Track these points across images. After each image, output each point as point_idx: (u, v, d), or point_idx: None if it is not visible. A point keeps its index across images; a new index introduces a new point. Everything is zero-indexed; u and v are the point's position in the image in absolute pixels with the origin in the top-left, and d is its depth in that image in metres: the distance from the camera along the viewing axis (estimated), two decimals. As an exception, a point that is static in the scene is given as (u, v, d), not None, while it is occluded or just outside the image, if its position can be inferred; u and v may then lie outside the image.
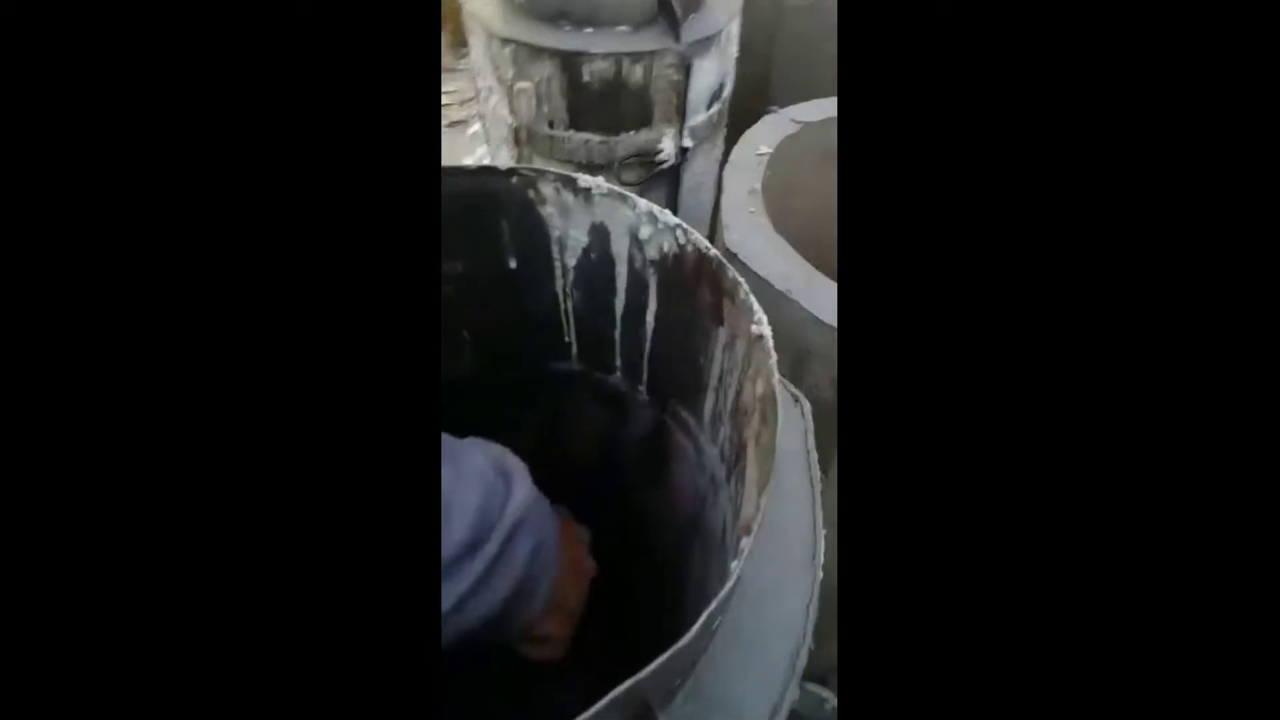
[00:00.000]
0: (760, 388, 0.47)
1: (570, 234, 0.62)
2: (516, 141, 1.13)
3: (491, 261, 0.65)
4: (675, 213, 0.95)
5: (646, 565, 0.84)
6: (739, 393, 0.54)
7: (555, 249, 0.64)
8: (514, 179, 0.59)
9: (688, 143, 1.13)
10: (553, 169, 0.58)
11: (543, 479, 0.83)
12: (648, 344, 0.67)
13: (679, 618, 0.78)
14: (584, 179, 0.57)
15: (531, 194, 0.60)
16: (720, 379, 0.58)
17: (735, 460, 0.57)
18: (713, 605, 0.36)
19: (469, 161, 1.62)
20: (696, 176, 1.23)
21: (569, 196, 0.59)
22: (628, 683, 0.33)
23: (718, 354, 0.57)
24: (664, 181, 1.19)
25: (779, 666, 0.47)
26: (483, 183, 0.59)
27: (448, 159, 1.67)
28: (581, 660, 0.65)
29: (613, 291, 0.65)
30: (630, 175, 1.13)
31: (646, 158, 1.12)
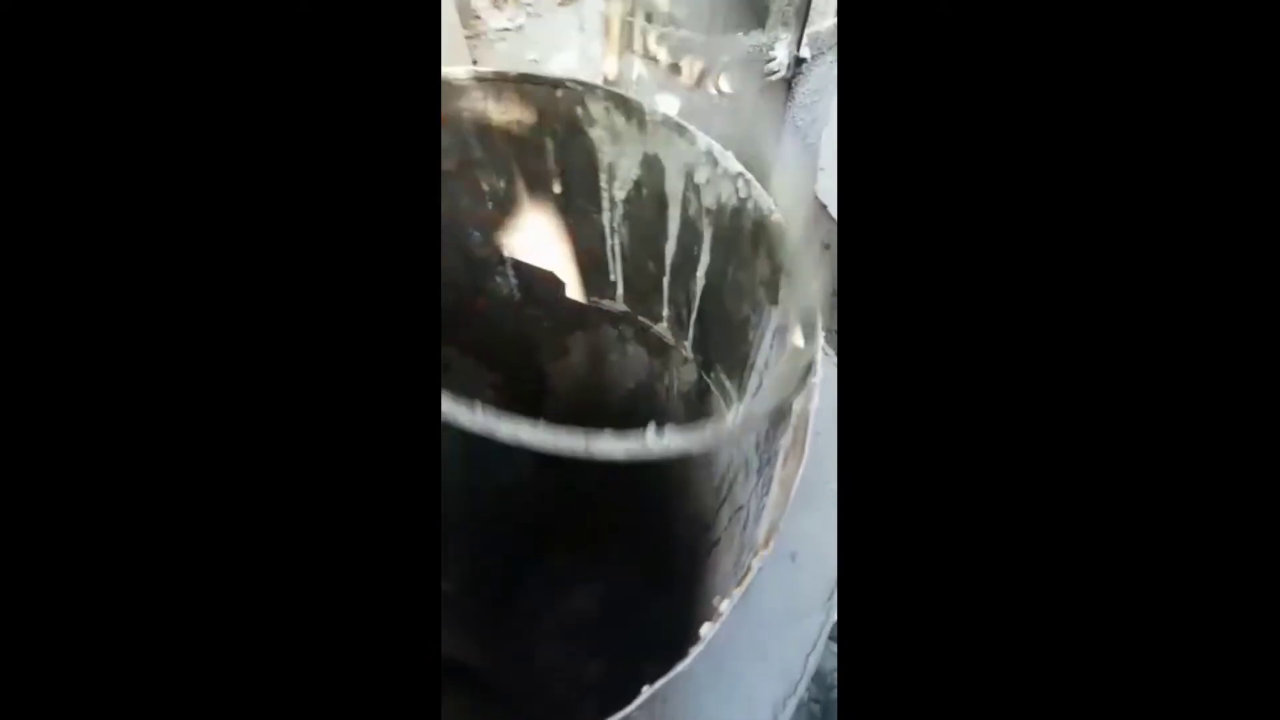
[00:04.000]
0: (799, 404, 0.38)
1: (621, 163, 0.53)
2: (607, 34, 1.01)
3: (534, 182, 0.57)
4: (776, 137, 0.82)
5: (681, 522, 0.79)
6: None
7: (604, 177, 0.55)
8: (559, 92, 0.50)
9: (805, 53, 0.97)
10: (603, 86, 0.48)
11: (587, 413, 0.78)
12: (696, 302, 0.58)
13: (697, 588, 0.73)
14: (637, 101, 0.48)
15: (580, 111, 0.51)
16: (766, 364, 0.50)
17: (767, 460, 0.49)
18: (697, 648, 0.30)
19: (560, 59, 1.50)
20: (810, 95, 1.06)
21: (620, 120, 0.50)
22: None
23: (767, 337, 0.48)
24: (772, 95, 1.04)
25: (761, 713, 0.41)
26: (526, 91, 0.50)
27: (542, 41, 1.55)
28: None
29: (663, 235, 0.55)
30: (731, 83, 0.99)
31: (754, 65, 0.98)
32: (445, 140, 0.54)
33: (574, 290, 0.68)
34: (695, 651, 0.30)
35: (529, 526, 0.95)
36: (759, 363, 0.52)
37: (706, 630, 0.31)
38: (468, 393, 0.80)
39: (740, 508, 0.58)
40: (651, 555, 0.87)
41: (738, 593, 0.32)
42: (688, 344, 0.65)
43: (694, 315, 0.60)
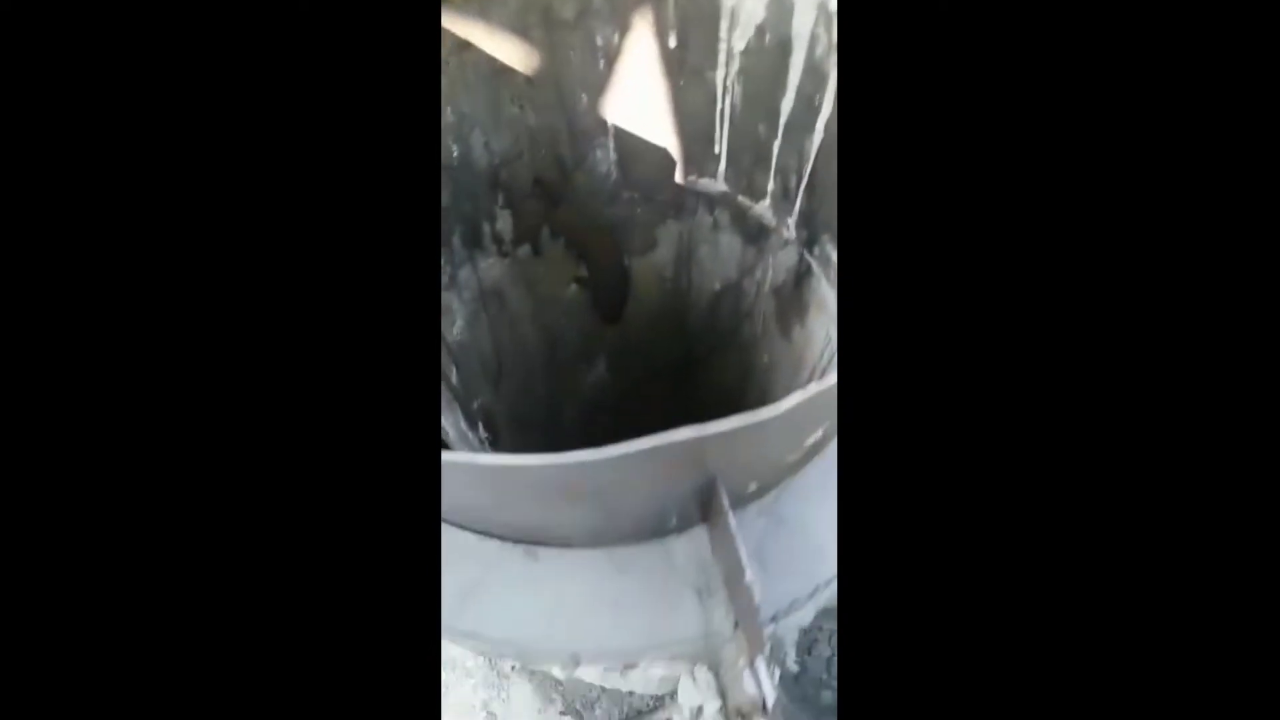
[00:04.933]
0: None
1: (745, 5, 0.52)
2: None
3: (650, 34, 0.57)
4: None
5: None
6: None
7: (724, 25, 0.54)
8: (691, -80, 0.49)
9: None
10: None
11: (675, 309, 0.77)
12: (810, 162, 0.57)
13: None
14: (776, -76, 0.46)
15: (708, -56, 0.50)
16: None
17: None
18: (799, 396, 0.29)
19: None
20: None
21: (753, -50, 0.48)
22: (690, 431, 0.27)
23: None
24: None
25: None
26: (654, -77, 0.49)
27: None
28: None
29: (782, 88, 0.54)
30: None
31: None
32: (567, -19, 0.53)
33: (674, 168, 0.67)
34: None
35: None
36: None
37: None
38: (552, 285, 0.80)
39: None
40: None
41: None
42: (791, 221, 0.63)
43: (804, 182, 0.59)
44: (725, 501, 0.35)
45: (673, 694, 0.57)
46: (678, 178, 0.68)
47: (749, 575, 0.33)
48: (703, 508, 0.40)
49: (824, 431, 0.39)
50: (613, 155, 0.67)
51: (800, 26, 0.50)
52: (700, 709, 0.52)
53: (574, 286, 0.82)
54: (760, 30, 0.52)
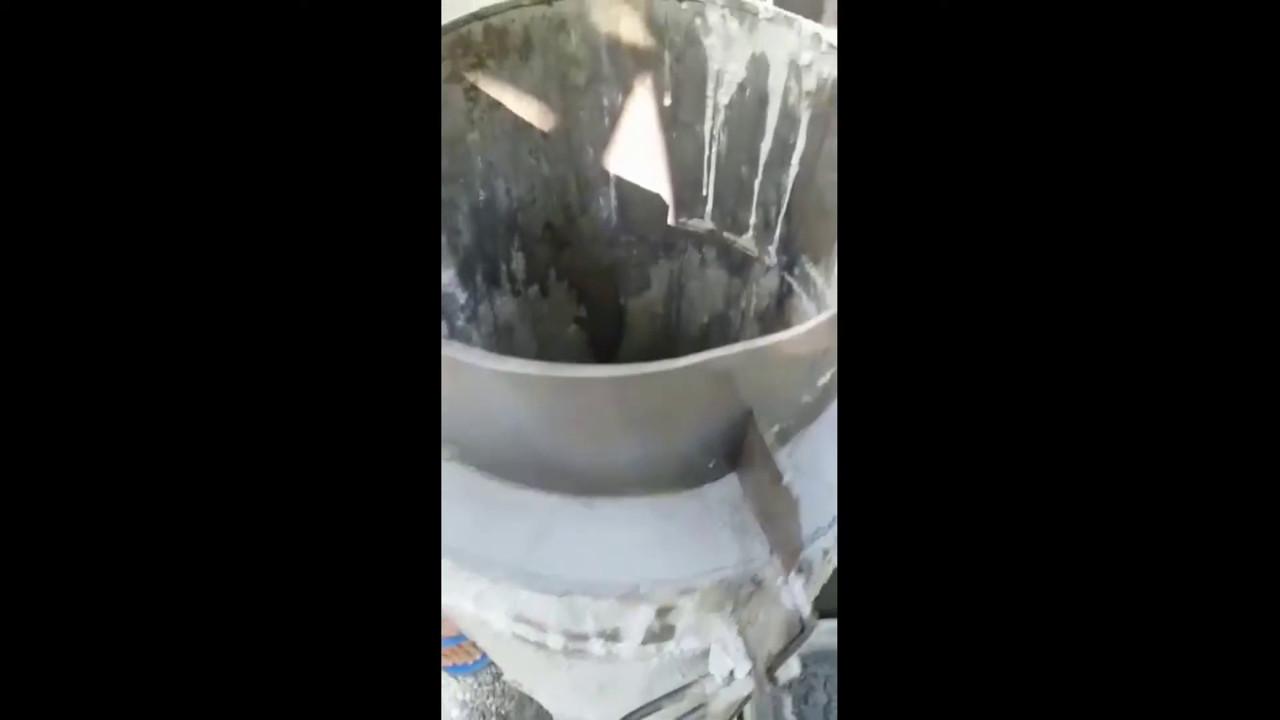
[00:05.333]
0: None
1: (729, 68, 0.64)
2: None
3: (647, 96, 0.68)
4: None
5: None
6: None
7: (711, 84, 0.66)
8: (684, 4, 0.61)
9: None
10: (724, -9, 0.60)
11: (666, 344, 0.86)
12: (787, 194, 0.68)
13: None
14: (752, 4, 0.59)
15: (698, 23, 0.62)
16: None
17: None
18: (816, 320, 0.37)
19: None
20: None
21: (734, 25, 0.61)
22: (723, 350, 0.35)
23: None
24: None
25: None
26: (654, 6, 0.62)
27: None
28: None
29: (761, 133, 0.66)
30: None
31: None
32: (581, 53, 0.65)
33: (667, 212, 0.77)
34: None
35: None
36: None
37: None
38: (554, 324, 0.88)
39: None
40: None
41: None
42: (771, 249, 0.74)
43: (783, 211, 0.70)
44: (759, 425, 0.42)
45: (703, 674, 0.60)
46: (670, 220, 0.78)
47: (787, 477, 0.40)
48: (737, 449, 0.47)
49: (831, 376, 0.47)
50: (613, 202, 0.78)
51: (775, 82, 0.62)
52: (731, 673, 0.56)
53: (573, 327, 0.90)
54: (742, 86, 0.64)
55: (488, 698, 1.28)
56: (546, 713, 1.27)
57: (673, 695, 0.59)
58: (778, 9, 0.58)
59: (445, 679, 1.29)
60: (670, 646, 0.56)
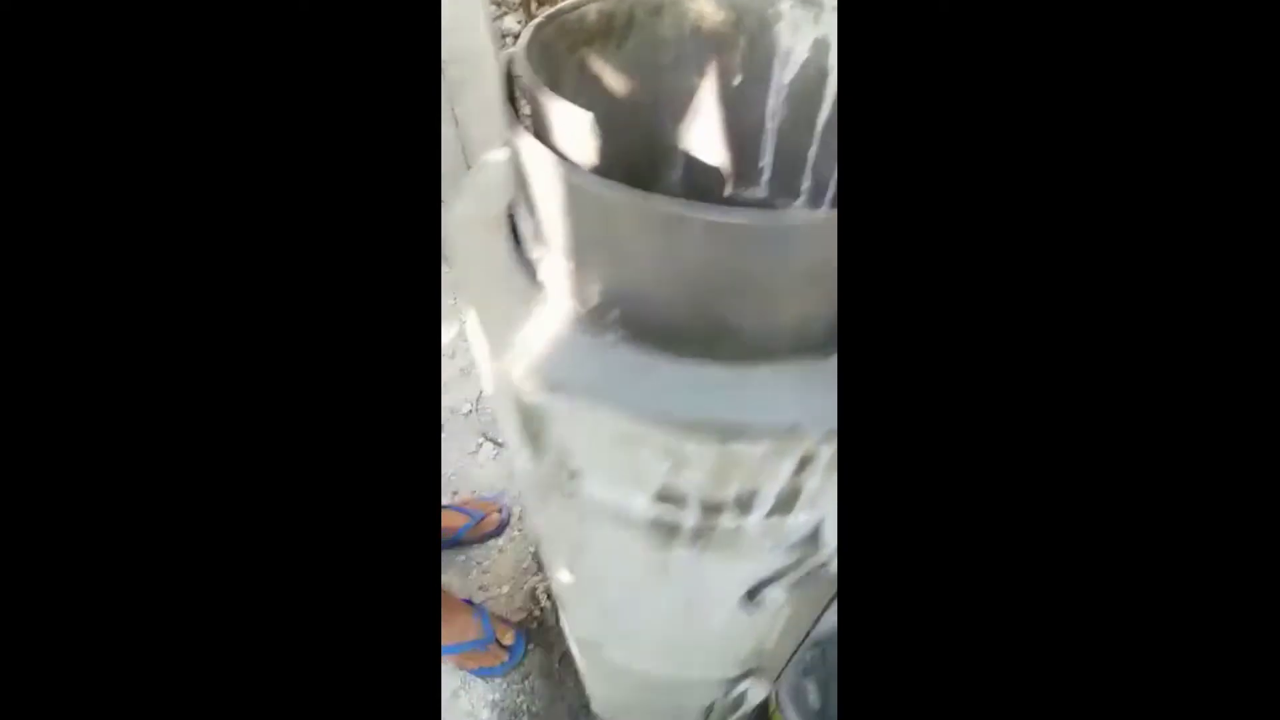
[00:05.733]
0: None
1: (795, 50, 0.77)
2: None
3: (721, 76, 0.81)
4: None
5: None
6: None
7: (777, 65, 0.79)
8: (761, -5, 0.75)
9: None
10: (798, -16, 0.74)
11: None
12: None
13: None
14: (819, -5, 0.73)
15: (771, 11, 0.76)
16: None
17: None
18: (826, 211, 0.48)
19: None
20: None
21: (801, 13, 0.75)
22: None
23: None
24: None
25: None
26: (733, -1, 0.75)
27: None
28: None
29: (819, 102, 0.79)
30: None
31: None
32: (670, 35, 0.77)
33: (725, 183, 0.89)
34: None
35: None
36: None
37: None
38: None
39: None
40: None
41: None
42: (823, 211, 0.86)
43: (834, 174, 0.82)
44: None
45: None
46: (727, 190, 0.90)
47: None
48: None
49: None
50: (679, 173, 0.89)
51: (834, 60, 0.76)
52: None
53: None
54: (805, 65, 0.78)
55: (518, 696, 1.28)
56: (577, 709, 1.27)
57: (792, 567, 0.66)
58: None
59: (473, 681, 1.28)
60: (790, 521, 0.63)
